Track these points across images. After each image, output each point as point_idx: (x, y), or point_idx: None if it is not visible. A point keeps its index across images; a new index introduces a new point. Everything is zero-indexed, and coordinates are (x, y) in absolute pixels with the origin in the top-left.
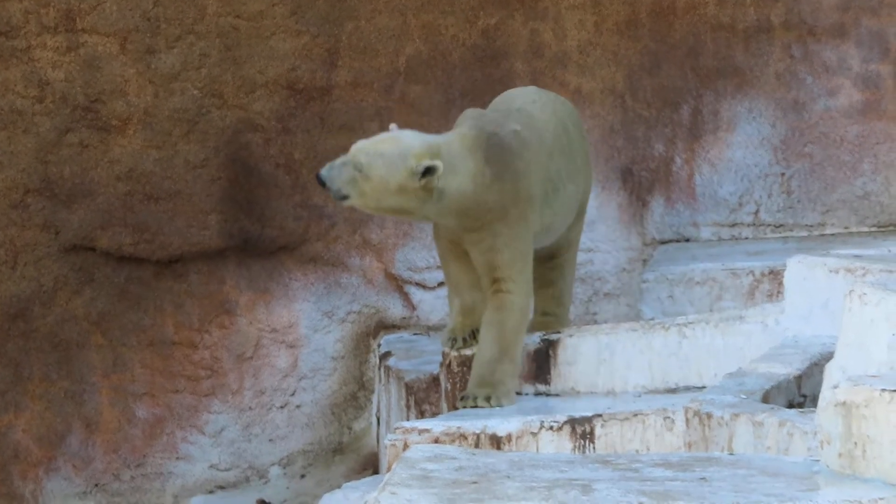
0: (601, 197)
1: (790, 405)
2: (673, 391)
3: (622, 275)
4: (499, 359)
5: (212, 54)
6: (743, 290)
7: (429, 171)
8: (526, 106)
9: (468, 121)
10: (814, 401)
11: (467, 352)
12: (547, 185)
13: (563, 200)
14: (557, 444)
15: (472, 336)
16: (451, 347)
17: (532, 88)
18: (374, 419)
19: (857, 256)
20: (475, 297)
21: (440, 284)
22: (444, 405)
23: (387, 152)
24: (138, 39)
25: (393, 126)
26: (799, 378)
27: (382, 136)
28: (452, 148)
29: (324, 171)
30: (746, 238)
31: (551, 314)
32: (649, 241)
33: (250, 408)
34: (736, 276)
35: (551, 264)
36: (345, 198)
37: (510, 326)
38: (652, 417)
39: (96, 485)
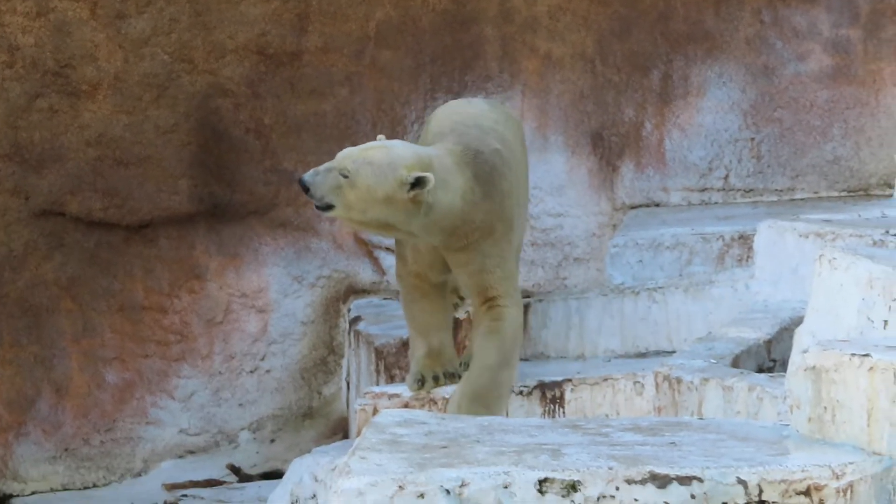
0: (571, 162)
1: (760, 370)
2: (643, 356)
3: (592, 239)
4: (500, 366)
5: (182, 19)
6: (713, 255)
7: (419, 183)
8: (496, 126)
9: (450, 135)
10: (783, 365)
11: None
12: (515, 207)
13: (521, 223)
14: (527, 409)
15: (445, 376)
16: (421, 388)
17: (482, 102)
18: (343, 384)
19: (826, 221)
20: (443, 339)
21: None
22: None
23: (376, 160)
24: (108, 4)
25: (381, 136)
26: (769, 343)
27: (371, 144)
28: (444, 162)
29: (307, 176)
30: (716, 203)
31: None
32: (619, 205)
33: (220, 372)
34: (706, 240)
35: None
36: (328, 207)
37: (510, 336)
38: (622, 382)
39: (66, 449)
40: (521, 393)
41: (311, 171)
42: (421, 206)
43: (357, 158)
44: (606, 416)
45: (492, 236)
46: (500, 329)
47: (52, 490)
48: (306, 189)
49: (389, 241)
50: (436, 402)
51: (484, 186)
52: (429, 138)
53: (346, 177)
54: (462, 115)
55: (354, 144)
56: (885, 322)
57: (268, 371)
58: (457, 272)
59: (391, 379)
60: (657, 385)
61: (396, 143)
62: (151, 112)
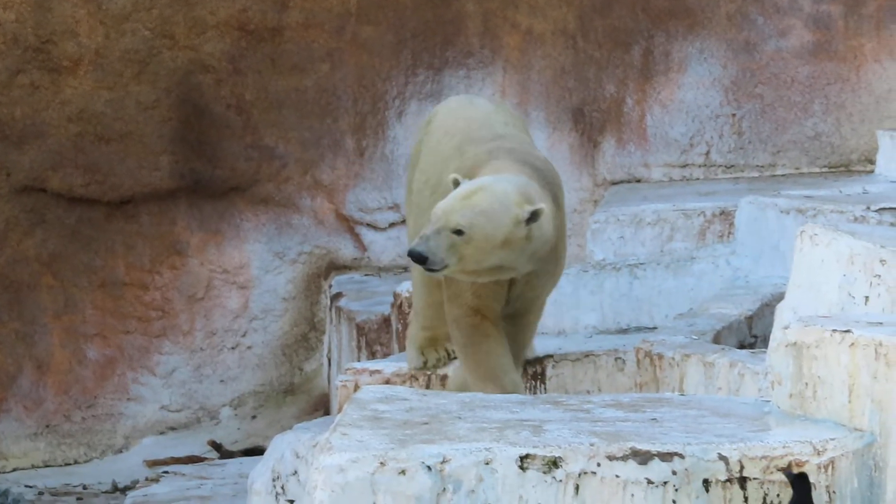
0: (552, 138)
1: (741, 346)
2: (624, 332)
3: (573, 215)
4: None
5: None
6: (694, 231)
7: (534, 217)
8: (513, 130)
9: (501, 153)
10: (765, 341)
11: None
12: None
13: None
14: None
15: (448, 356)
16: (424, 367)
17: (485, 102)
18: (325, 360)
19: (808, 197)
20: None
21: (391, 225)
22: (394, 346)
23: (487, 208)
24: None
25: (453, 176)
26: (750, 318)
27: (466, 189)
28: (536, 189)
29: (419, 247)
30: (697, 179)
31: None
32: (600, 181)
33: (201, 349)
34: (687, 216)
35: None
36: (444, 267)
37: (528, 345)
38: (603, 358)
39: (47, 426)
40: None
41: (417, 239)
42: (532, 241)
43: (465, 211)
44: (588, 392)
45: (557, 256)
46: (522, 342)
47: (33, 466)
48: (423, 260)
49: (371, 217)
50: (416, 378)
51: (556, 203)
52: (435, 138)
53: (459, 233)
54: (476, 120)
55: (336, 120)
56: (867, 298)
57: (249, 347)
58: (512, 288)
59: (372, 355)
60: (638, 361)
61: (487, 182)
62: (132, 88)
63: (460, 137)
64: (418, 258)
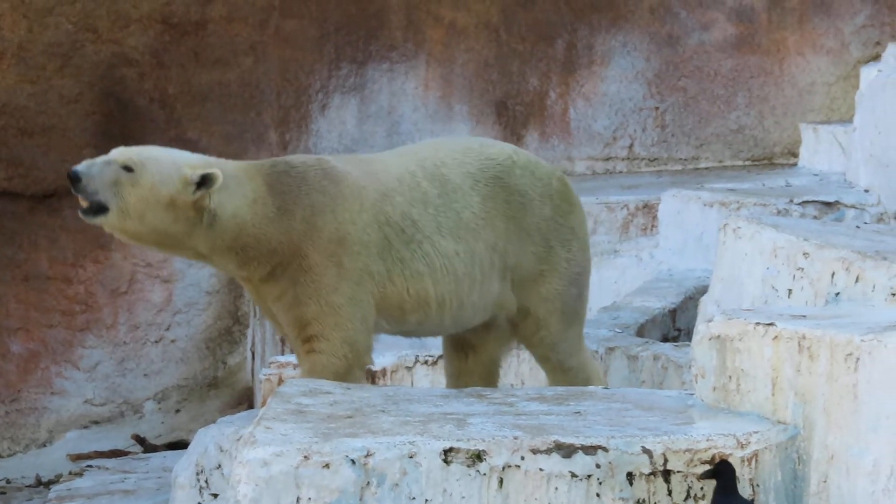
0: (476, 131)
1: (665, 339)
2: None
3: None
4: None
5: None
6: (617, 224)
7: (205, 182)
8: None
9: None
10: (688, 334)
11: None
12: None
13: (431, 258)
14: (432, 379)
15: None
16: None
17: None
18: (248, 354)
19: (731, 190)
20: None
21: None
22: None
23: (162, 157)
24: None
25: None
26: (673, 312)
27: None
28: (227, 168)
29: (80, 168)
30: (621, 172)
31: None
32: None
33: (125, 342)
34: (610, 209)
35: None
36: (100, 209)
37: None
38: (527, 352)
39: None
40: (426, 363)
41: (86, 162)
42: (203, 214)
43: (142, 152)
44: (511, 385)
45: (304, 262)
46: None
47: None
48: (76, 180)
49: None
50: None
51: (280, 198)
52: None
53: (129, 170)
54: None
55: (259, 114)
56: (790, 291)
57: (172, 341)
58: (275, 310)
59: None
60: None
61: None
62: (56, 82)
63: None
64: (74, 179)
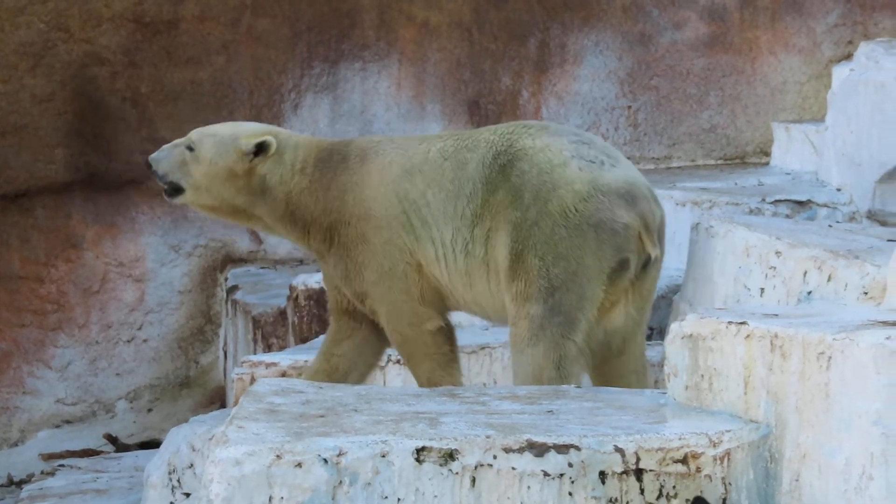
0: (448, 130)
1: None
2: None
3: None
4: None
5: None
6: None
7: (260, 149)
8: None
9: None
10: (661, 333)
11: None
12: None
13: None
14: (405, 378)
15: None
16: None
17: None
18: (221, 353)
19: (703, 189)
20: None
21: None
22: (291, 339)
23: (220, 132)
24: None
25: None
26: None
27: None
28: (287, 138)
29: (153, 155)
30: None
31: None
32: None
33: (97, 342)
34: None
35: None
36: (176, 190)
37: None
38: (499, 350)
39: None
40: (398, 362)
41: (160, 149)
42: (255, 180)
43: (201, 130)
44: (484, 384)
45: (341, 241)
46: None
47: None
48: (150, 168)
49: None
50: None
51: (321, 173)
52: None
53: (191, 149)
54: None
55: (231, 113)
56: (762, 290)
57: (145, 340)
58: (340, 285)
59: (268, 348)
60: None
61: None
62: (27, 81)
63: None
64: (148, 165)
